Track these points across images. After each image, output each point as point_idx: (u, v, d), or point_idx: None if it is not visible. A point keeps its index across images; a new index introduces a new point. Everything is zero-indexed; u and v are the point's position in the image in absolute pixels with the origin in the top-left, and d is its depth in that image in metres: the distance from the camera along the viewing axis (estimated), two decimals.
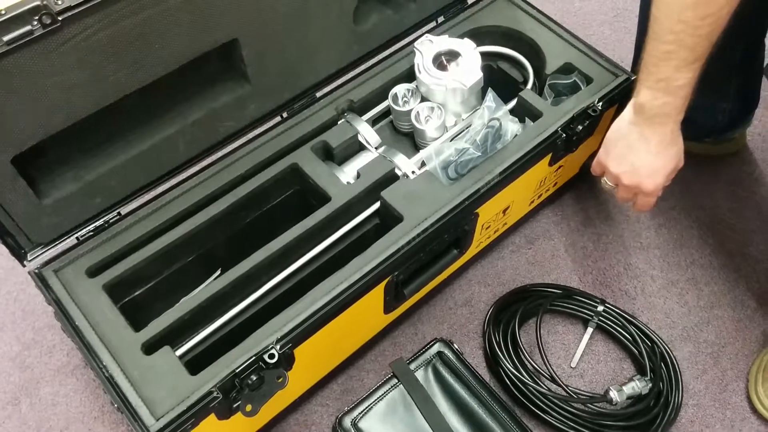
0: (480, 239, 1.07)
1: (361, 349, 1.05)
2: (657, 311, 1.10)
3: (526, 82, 1.08)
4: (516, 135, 0.99)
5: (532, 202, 1.13)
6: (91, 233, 0.90)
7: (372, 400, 0.94)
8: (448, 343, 0.99)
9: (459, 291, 1.13)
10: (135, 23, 0.76)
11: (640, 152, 0.86)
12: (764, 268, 1.14)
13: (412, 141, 1.07)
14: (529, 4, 1.13)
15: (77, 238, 0.90)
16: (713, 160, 1.26)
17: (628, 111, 0.87)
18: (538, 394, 0.98)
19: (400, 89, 1.03)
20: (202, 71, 0.89)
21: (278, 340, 0.81)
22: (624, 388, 0.97)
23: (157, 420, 0.76)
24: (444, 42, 1.01)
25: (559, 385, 0.98)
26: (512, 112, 1.03)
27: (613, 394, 0.96)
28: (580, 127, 0.99)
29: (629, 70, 1.05)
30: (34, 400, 1.04)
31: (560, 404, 0.97)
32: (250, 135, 0.99)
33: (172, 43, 0.81)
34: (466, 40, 1.02)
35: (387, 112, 1.08)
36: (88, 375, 1.05)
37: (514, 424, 0.91)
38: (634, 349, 1.04)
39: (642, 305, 1.10)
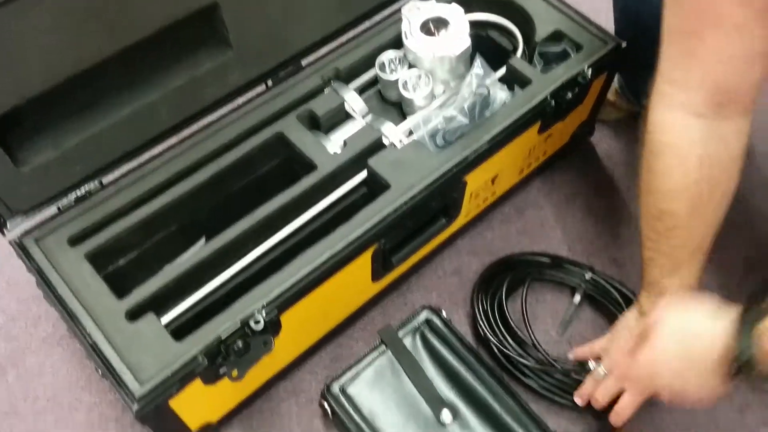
0: (469, 208, 1.06)
1: (350, 318, 1.04)
2: None
3: (515, 51, 1.07)
4: (505, 103, 0.98)
5: (522, 171, 1.12)
6: (73, 203, 0.89)
7: (360, 366, 0.94)
8: (436, 311, 0.99)
9: (448, 260, 1.13)
10: None
11: (644, 348, 0.77)
12: (752, 236, 1.14)
13: (399, 110, 1.06)
14: None
15: (58, 207, 0.89)
16: None
17: (635, 304, 0.86)
18: (522, 362, 0.98)
19: (387, 56, 1.02)
20: (182, 36, 0.87)
21: (264, 307, 0.81)
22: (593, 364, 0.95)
23: (142, 385, 0.76)
24: (432, 8, 1.00)
25: (543, 355, 0.98)
26: (501, 80, 1.02)
27: (592, 365, 0.94)
28: (569, 95, 0.98)
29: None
30: (20, 370, 1.04)
31: (544, 373, 0.97)
32: (235, 103, 0.98)
33: (150, 6, 0.79)
34: (455, 6, 1.00)
35: (374, 81, 1.07)
36: (74, 345, 1.05)
37: (501, 389, 0.92)
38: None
39: (631, 273, 1.10)
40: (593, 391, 0.87)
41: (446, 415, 0.90)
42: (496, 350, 1.00)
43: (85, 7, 0.74)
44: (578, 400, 0.90)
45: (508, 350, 0.98)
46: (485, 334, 1.00)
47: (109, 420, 0.99)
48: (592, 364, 0.92)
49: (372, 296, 1.04)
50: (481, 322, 1.01)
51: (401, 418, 0.90)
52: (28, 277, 0.87)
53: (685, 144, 0.72)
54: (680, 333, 0.69)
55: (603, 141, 1.25)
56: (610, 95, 1.20)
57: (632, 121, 1.26)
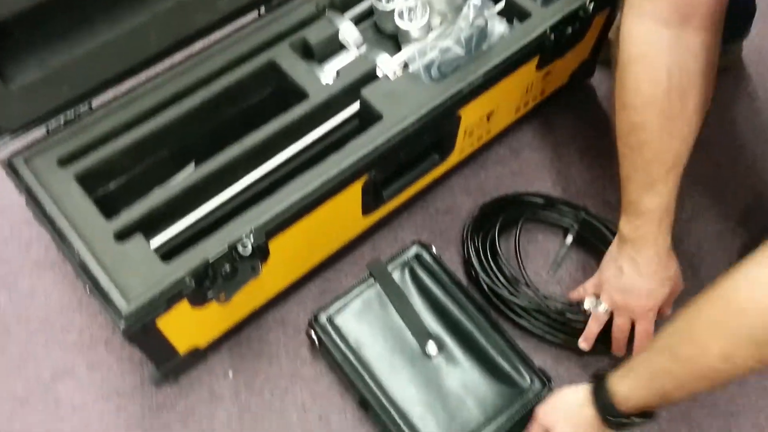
0: (463, 146, 1.05)
1: (339, 252, 1.05)
2: None
3: None
4: (503, 36, 0.96)
5: (518, 110, 1.11)
6: (62, 124, 0.88)
7: (348, 298, 0.95)
8: (426, 246, 0.99)
9: (441, 199, 1.12)
10: None
11: (631, 275, 0.85)
12: (750, 183, 1.13)
13: (395, 42, 1.04)
14: None
15: (47, 128, 0.88)
16: None
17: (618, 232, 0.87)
18: (514, 301, 0.98)
19: None
20: None
21: (252, 231, 0.81)
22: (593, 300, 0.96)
23: (129, 304, 0.77)
24: None
25: (535, 294, 0.99)
26: (501, 13, 1.00)
27: (589, 304, 0.95)
28: (569, 29, 0.96)
29: None
30: (12, 293, 1.05)
31: (537, 312, 0.98)
32: (227, 30, 0.96)
33: None
34: None
35: (370, 12, 1.04)
36: (66, 268, 1.06)
37: (488, 324, 0.93)
38: None
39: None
40: (598, 330, 0.91)
41: (431, 347, 0.91)
42: (487, 289, 1.00)
43: None
44: (584, 344, 0.92)
45: (499, 288, 0.99)
46: (477, 272, 1.01)
47: (99, 342, 1.01)
48: (587, 304, 0.93)
49: (362, 231, 1.04)
50: (473, 261, 1.02)
51: (387, 349, 0.92)
52: (20, 201, 0.87)
53: (653, 53, 0.73)
54: (568, 416, 0.79)
55: (603, 83, 1.23)
56: (612, 34, 1.18)
57: None
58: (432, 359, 0.91)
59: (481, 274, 1.00)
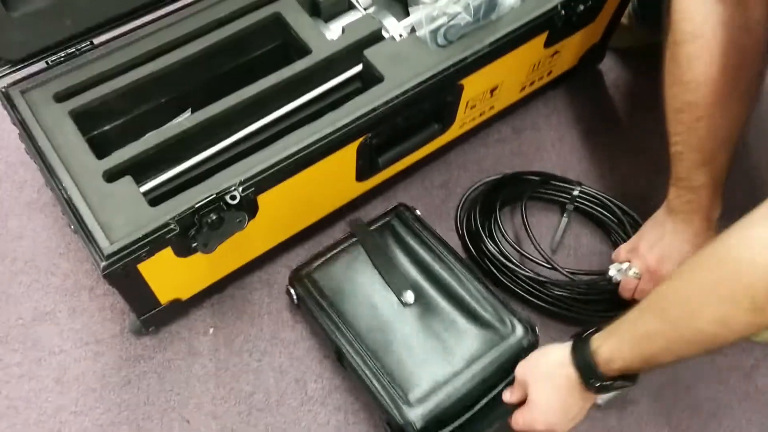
0: (464, 119, 1.04)
1: (331, 217, 1.04)
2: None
3: None
4: (513, 8, 0.94)
5: (524, 88, 1.09)
6: (62, 59, 0.87)
7: (328, 255, 0.94)
8: (409, 208, 0.98)
9: (437, 172, 1.11)
10: None
11: (671, 242, 0.85)
12: (750, 176, 1.12)
13: (405, 8, 1.02)
14: None
15: (47, 62, 0.87)
16: None
17: (665, 202, 0.86)
18: (521, 276, 0.97)
19: None
20: None
21: (241, 183, 0.80)
22: (623, 266, 0.91)
23: (112, 244, 0.76)
24: None
25: (552, 266, 0.95)
26: None
27: (615, 271, 0.91)
28: (581, 7, 0.94)
29: None
30: (1, 231, 1.04)
31: (541, 285, 0.96)
32: None
33: None
34: None
35: None
36: (56, 213, 1.05)
37: (471, 275, 0.92)
38: (614, 226, 1.03)
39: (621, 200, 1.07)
40: (629, 297, 0.89)
41: (408, 295, 0.90)
42: (489, 262, 0.99)
43: None
44: None
45: (507, 262, 0.98)
46: (480, 244, 1.00)
47: (83, 288, 1.00)
48: (612, 270, 0.91)
49: (356, 196, 1.03)
50: (478, 234, 1.01)
51: (365, 303, 0.90)
52: (17, 142, 0.86)
53: (708, 31, 0.72)
54: (546, 376, 0.75)
55: (612, 70, 1.21)
56: (624, 19, 1.16)
57: (645, 52, 1.22)
58: (411, 308, 0.90)
59: (490, 245, 0.99)
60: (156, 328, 0.97)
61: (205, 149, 0.87)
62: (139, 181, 0.84)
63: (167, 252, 0.80)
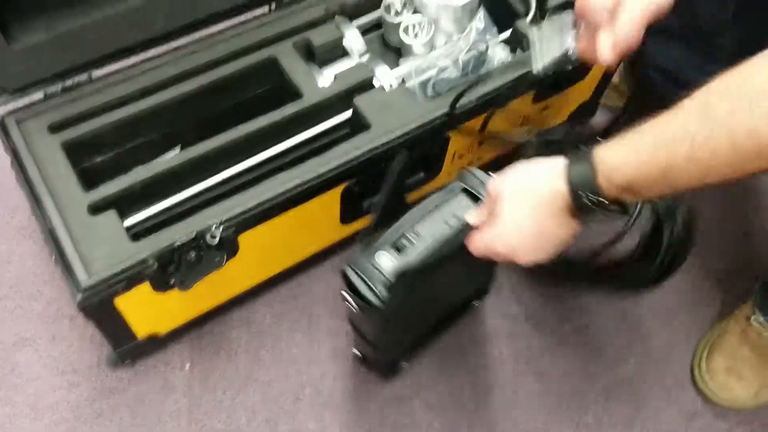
0: (451, 169, 1.05)
1: (315, 258, 1.04)
2: None
3: (527, 14, 1.04)
4: (503, 63, 0.96)
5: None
6: (59, 90, 0.89)
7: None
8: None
9: None
10: None
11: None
12: (734, 248, 1.12)
13: (400, 56, 1.04)
14: None
15: (45, 93, 0.89)
16: None
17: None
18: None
19: None
20: None
21: (222, 223, 0.81)
22: None
23: (90, 276, 0.77)
24: None
25: None
26: (506, 42, 1.00)
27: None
28: (569, 67, 0.96)
29: None
30: None
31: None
32: (234, 21, 0.97)
33: None
34: None
35: (379, 24, 1.05)
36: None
37: None
38: None
39: None
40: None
41: None
42: None
43: None
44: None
45: None
46: None
47: (64, 316, 1.01)
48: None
49: (340, 239, 1.04)
50: None
51: None
52: (11, 166, 0.88)
53: None
54: (526, 190, 0.63)
55: (602, 126, 1.23)
56: (616, 78, 1.18)
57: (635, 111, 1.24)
58: None
59: None
60: (132, 361, 0.97)
61: (191, 186, 0.89)
62: (125, 215, 0.85)
63: (145, 287, 0.81)
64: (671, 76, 1.12)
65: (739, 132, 0.49)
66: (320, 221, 0.96)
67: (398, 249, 0.72)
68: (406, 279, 0.71)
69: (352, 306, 0.74)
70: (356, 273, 0.72)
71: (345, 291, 0.74)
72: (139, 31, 0.90)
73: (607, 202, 0.58)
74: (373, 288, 0.71)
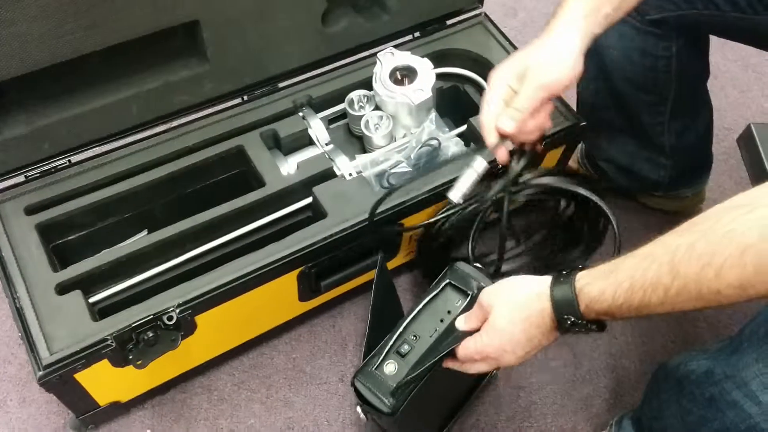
0: (409, 248, 1.11)
1: (276, 330, 1.10)
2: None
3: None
4: (455, 158, 1.02)
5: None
6: (38, 175, 0.97)
7: None
8: None
9: None
10: None
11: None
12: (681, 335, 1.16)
13: (363, 145, 1.11)
14: (503, 35, 1.16)
15: (25, 176, 0.96)
16: (664, 215, 1.28)
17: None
18: None
19: (357, 95, 1.08)
20: (162, 44, 0.94)
21: (179, 305, 0.87)
22: None
23: (51, 354, 0.82)
24: (404, 57, 1.05)
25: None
26: (462, 135, 1.07)
27: None
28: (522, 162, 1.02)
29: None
30: None
31: None
32: (206, 112, 1.04)
33: (133, 14, 0.87)
34: (426, 60, 1.05)
35: (345, 114, 1.12)
36: None
37: None
38: None
39: None
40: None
41: None
42: None
43: (71, 4, 0.81)
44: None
45: None
46: None
47: (34, 381, 1.05)
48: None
49: (300, 314, 1.09)
50: None
51: None
52: None
53: None
54: (516, 303, 0.70)
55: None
56: (573, 163, 1.24)
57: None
58: None
59: None
60: (95, 426, 1.02)
61: (156, 266, 0.95)
62: (90, 292, 0.92)
63: (104, 363, 0.87)
64: (624, 168, 1.19)
65: (706, 292, 0.56)
66: (278, 300, 1.01)
67: (401, 355, 0.78)
68: (413, 383, 0.77)
69: (367, 416, 0.80)
70: (365, 386, 0.78)
71: (359, 404, 0.80)
72: (115, 122, 0.98)
73: (585, 323, 0.66)
74: (383, 399, 0.76)
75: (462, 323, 0.76)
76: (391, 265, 1.12)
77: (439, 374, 0.77)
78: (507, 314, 0.70)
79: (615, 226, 0.92)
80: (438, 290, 0.81)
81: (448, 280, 0.80)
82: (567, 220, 1.09)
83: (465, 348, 0.73)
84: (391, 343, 0.78)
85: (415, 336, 0.79)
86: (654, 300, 0.59)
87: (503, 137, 0.83)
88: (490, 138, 0.83)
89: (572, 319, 0.65)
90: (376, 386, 0.77)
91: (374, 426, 0.89)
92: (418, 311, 0.80)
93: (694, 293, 0.57)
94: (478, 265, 0.83)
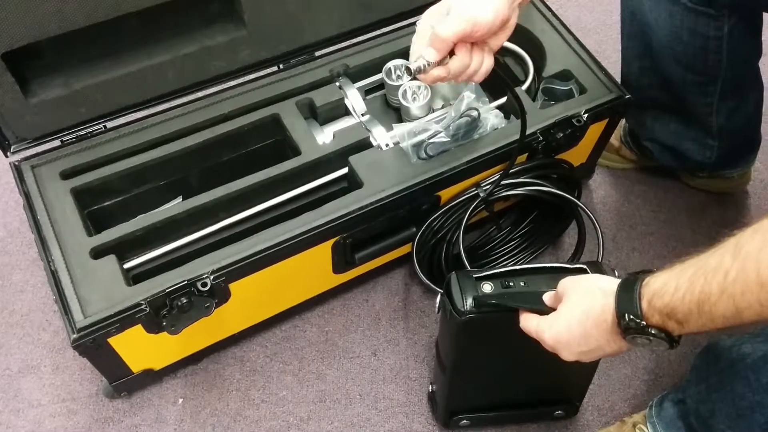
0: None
1: (309, 302, 1.08)
2: None
3: (525, 81, 1.08)
4: (496, 129, 1.00)
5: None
6: (74, 140, 0.96)
7: None
8: None
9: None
10: None
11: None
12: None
13: (399, 116, 1.09)
14: (546, 5, 1.12)
15: (61, 140, 0.96)
16: (708, 195, 1.23)
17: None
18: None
19: (395, 64, 1.05)
20: (199, 7, 0.93)
21: (213, 272, 0.86)
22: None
23: (86, 318, 0.82)
24: None
25: None
26: (502, 107, 1.04)
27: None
28: (560, 135, 0.99)
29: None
30: (5, 282, 1.13)
31: None
32: (242, 79, 1.03)
33: None
34: None
35: (383, 84, 1.10)
36: None
37: None
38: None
39: None
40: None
41: None
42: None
43: None
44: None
45: None
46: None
47: (69, 347, 1.06)
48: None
49: (334, 286, 1.08)
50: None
51: None
52: None
53: None
54: (585, 296, 0.68)
55: (601, 187, 1.25)
56: (614, 140, 1.20)
57: (637, 174, 1.26)
58: None
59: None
60: (128, 393, 1.02)
61: (190, 234, 0.94)
62: (125, 258, 0.91)
63: (138, 329, 0.86)
64: (669, 148, 1.15)
65: (765, 273, 0.52)
66: (312, 271, 1.00)
67: (503, 286, 0.79)
68: (494, 309, 0.77)
69: (438, 306, 0.82)
70: (457, 281, 0.79)
71: (441, 294, 0.81)
72: (151, 87, 0.97)
73: (648, 326, 0.61)
74: (464, 298, 0.78)
75: (547, 299, 0.75)
76: (386, 258, 1.09)
77: (516, 345, 0.76)
78: (573, 306, 0.68)
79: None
80: (571, 267, 0.80)
81: (585, 266, 0.79)
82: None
83: (528, 323, 0.73)
84: (503, 272, 0.80)
85: (525, 283, 0.79)
86: (714, 287, 0.56)
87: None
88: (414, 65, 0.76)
89: (632, 319, 0.61)
90: (466, 287, 0.78)
91: (441, 324, 0.88)
92: (544, 269, 0.80)
93: (754, 273, 0.53)
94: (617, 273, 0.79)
